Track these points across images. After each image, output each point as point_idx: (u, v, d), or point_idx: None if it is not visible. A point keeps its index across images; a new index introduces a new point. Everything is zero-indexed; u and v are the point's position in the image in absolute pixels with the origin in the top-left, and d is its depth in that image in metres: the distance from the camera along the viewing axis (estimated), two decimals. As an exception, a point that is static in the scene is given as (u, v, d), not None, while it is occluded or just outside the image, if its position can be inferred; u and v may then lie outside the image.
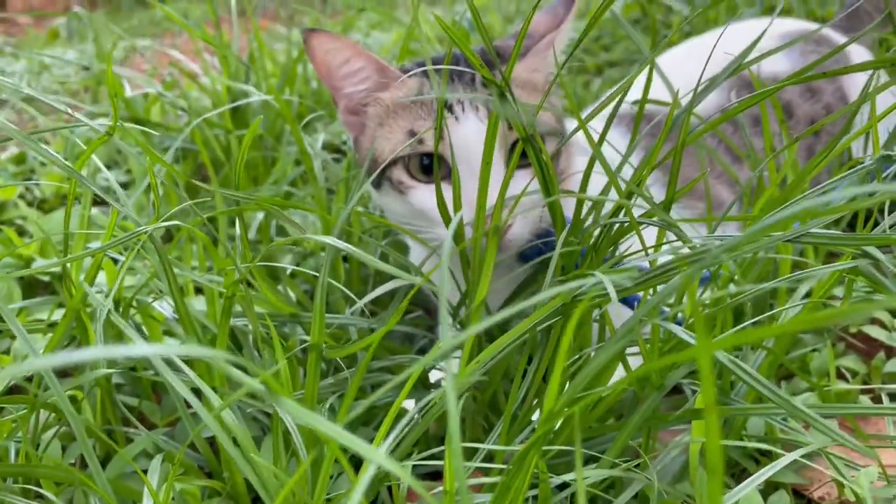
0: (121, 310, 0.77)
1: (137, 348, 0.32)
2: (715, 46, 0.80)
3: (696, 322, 0.29)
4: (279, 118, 1.44)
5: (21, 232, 1.35)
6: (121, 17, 4.88)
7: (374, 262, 0.55)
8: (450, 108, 0.79)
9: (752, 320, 0.69)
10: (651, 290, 0.61)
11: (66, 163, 0.60)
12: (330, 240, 0.57)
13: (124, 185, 1.50)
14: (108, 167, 1.60)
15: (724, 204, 1.03)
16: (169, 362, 0.65)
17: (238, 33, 1.58)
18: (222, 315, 0.65)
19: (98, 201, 1.43)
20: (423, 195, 0.81)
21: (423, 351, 0.94)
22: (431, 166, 0.79)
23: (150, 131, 0.87)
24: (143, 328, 0.85)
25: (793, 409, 0.51)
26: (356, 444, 0.31)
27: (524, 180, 0.77)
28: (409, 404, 0.82)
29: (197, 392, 0.68)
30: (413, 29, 1.01)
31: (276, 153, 1.41)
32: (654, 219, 0.61)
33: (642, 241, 0.57)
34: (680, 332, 0.56)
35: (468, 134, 0.77)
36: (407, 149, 0.79)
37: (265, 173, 1.37)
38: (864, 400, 0.82)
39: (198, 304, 1.00)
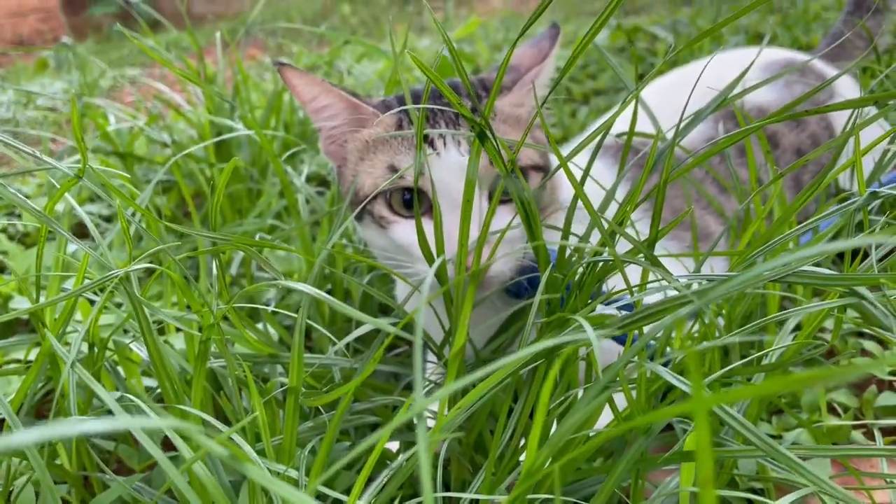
0: (96, 351, 0.75)
1: (108, 422, 0.31)
2: (699, 78, 0.80)
3: (693, 379, 0.28)
4: (264, 149, 1.43)
5: (1, 268, 1.33)
6: (111, 48, 4.89)
7: (345, 309, 0.53)
8: (431, 143, 0.78)
9: (741, 361, 0.67)
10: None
11: (35, 206, 0.58)
12: (304, 286, 0.56)
13: (108, 219, 1.48)
14: (92, 200, 1.58)
15: (711, 235, 1.02)
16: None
17: (229, 63, 1.57)
18: (198, 359, 0.63)
19: (84, 233, 1.41)
20: (405, 230, 0.79)
21: (410, 387, 0.92)
22: (413, 201, 0.78)
23: (118, 172, 0.84)
24: (121, 369, 0.83)
25: (781, 457, 0.49)
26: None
27: (507, 216, 0.76)
28: (394, 446, 0.80)
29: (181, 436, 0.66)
30: (399, 61, 1.00)
31: (261, 185, 1.40)
32: (639, 256, 0.60)
33: (627, 282, 0.56)
34: (667, 374, 0.54)
35: (450, 168, 0.76)
36: (387, 184, 0.78)
37: (250, 206, 1.35)
38: (857, 435, 0.81)
39: (179, 341, 0.98)
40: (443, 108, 0.81)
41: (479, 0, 5.21)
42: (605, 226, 0.60)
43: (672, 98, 1.01)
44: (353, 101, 0.83)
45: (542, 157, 0.85)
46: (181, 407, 0.62)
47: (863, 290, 0.52)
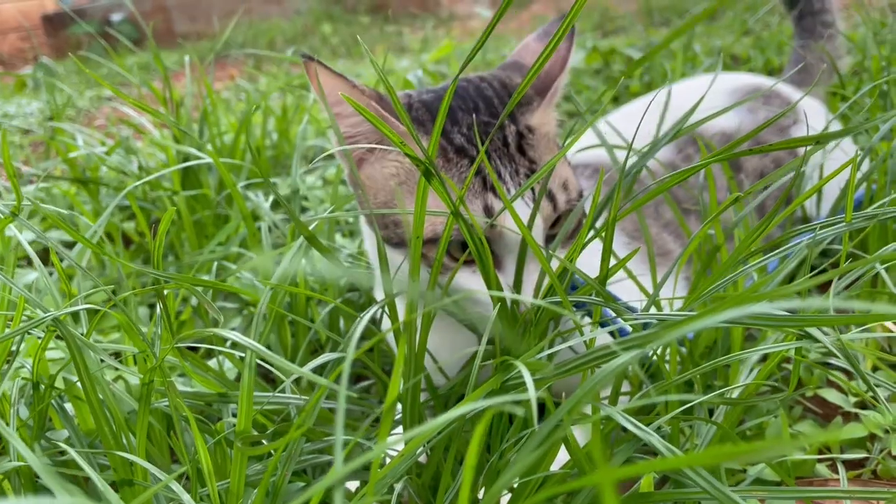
0: (42, 389, 0.73)
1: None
2: (648, 105, 0.79)
3: (594, 448, 0.27)
4: (232, 173, 1.41)
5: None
6: (90, 67, 4.87)
7: (282, 362, 0.51)
8: (485, 179, 0.70)
9: (703, 397, 0.66)
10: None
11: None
12: (236, 335, 0.54)
13: (70, 246, 1.46)
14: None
15: (670, 253, 1.02)
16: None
17: (205, 84, 1.55)
18: (141, 401, 0.61)
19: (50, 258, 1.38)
20: (463, 276, 0.71)
21: (378, 420, 0.90)
22: (466, 246, 0.66)
23: (51, 209, 0.81)
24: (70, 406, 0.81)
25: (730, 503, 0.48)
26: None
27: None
28: (353, 485, 0.78)
29: (123, 481, 0.64)
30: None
31: (228, 210, 1.38)
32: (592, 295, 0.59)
33: (577, 324, 0.55)
34: (622, 419, 0.53)
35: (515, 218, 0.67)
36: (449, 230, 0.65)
37: (216, 232, 1.33)
38: (822, 469, 0.79)
39: (135, 377, 0.95)
40: (487, 119, 0.74)
41: (458, 21, 5.24)
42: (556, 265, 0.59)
43: (639, 123, 1.01)
44: (386, 116, 0.71)
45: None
46: (121, 454, 0.59)
47: (815, 331, 0.51)
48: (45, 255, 1.43)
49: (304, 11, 6.18)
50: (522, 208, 0.69)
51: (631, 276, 0.73)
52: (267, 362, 0.80)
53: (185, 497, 0.55)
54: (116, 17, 5.94)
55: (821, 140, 0.53)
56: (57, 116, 1.75)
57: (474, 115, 0.74)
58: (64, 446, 0.57)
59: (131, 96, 0.95)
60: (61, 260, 0.64)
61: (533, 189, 0.70)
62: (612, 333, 0.70)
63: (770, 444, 0.25)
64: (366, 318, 0.47)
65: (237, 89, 2.96)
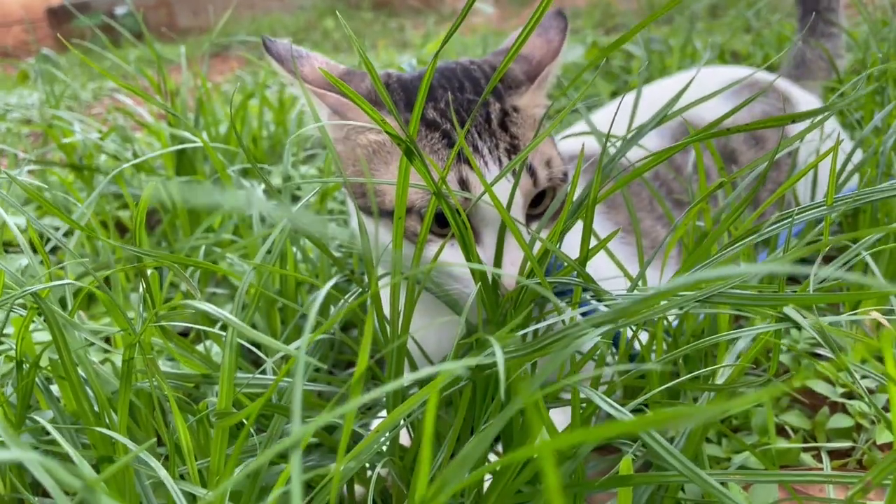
0: (26, 368, 0.73)
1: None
2: (620, 103, 0.78)
3: (534, 421, 0.26)
4: (226, 162, 1.41)
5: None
6: (92, 59, 4.88)
7: (263, 338, 0.51)
8: (463, 155, 0.69)
9: (689, 375, 0.66)
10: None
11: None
12: (224, 314, 0.54)
13: (57, 229, 1.46)
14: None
15: (664, 245, 1.01)
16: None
17: (203, 77, 1.55)
18: (123, 379, 0.61)
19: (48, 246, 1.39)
20: (444, 250, 0.70)
21: (369, 408, 0.90)
22: (446, 218, 0.66)
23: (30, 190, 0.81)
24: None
25: (702, 483, 0.48)
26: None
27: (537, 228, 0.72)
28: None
29: (104, 458, 0.64)
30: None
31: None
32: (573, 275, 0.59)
33: (556, 305, 0.55)
34: (597, 398, 0.53)
35: (493, 191, 0.65)
36: (425, 199, 0.68)
37: (209, 219, 1.33)
38: (807, 458, 0.79)
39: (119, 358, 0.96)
40: (472, 97, 0.73)
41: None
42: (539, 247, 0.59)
43: (616, 113, 1.01)
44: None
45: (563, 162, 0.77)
46: (100, 430, 0.59)
47: (793, 313, 0.50)
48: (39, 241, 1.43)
49: (308, 7, 6.18)
50: (501, 182, 0.68)
51: (612, 257, 0.73)
52: (252, 342, 0.80)
53: (162, 472, 0.55)
54: (121, 10, 5.94)
55: (797, 119, 0.52)
56: (54, 107, 1.76)
57: (457, 93, 0.74)
58: (44, 423, 0.57)
59: (140, 86, 0.95)
60: (47, 240, 0.64)
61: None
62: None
63: (693, 410, 0.25)
64: (330, 284, 0.47)
65: (237, 81, 2.96)
